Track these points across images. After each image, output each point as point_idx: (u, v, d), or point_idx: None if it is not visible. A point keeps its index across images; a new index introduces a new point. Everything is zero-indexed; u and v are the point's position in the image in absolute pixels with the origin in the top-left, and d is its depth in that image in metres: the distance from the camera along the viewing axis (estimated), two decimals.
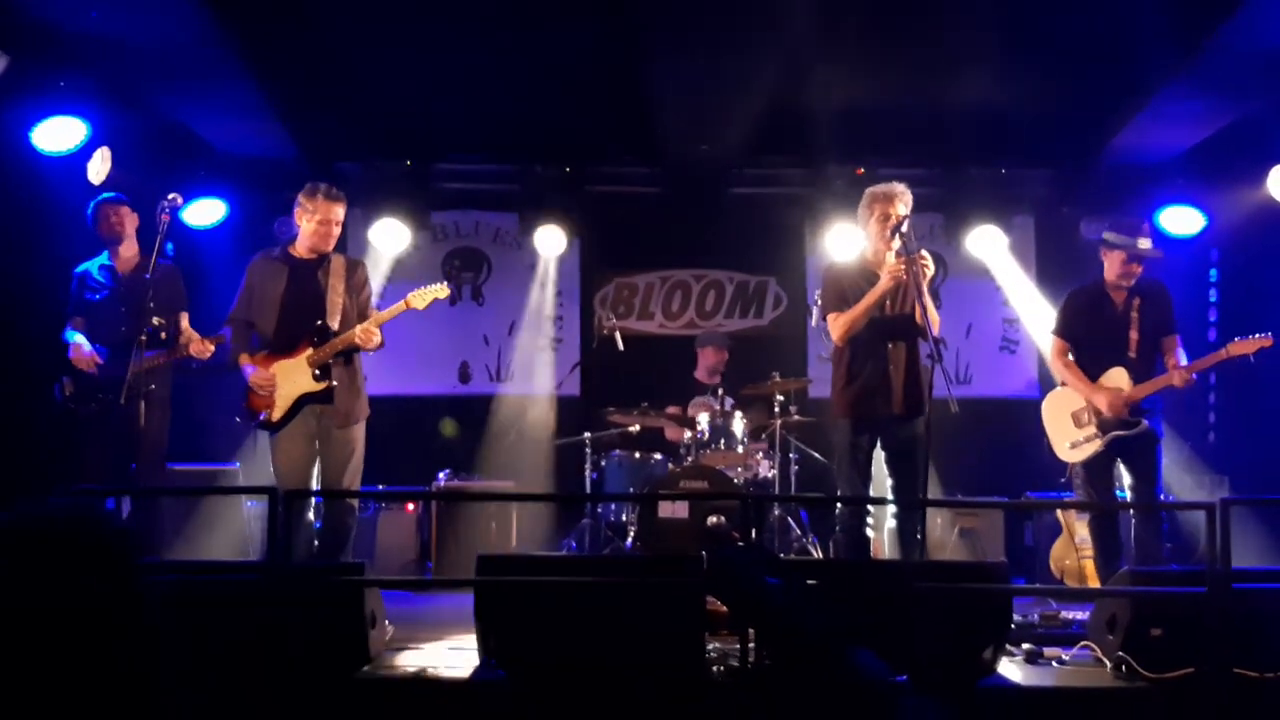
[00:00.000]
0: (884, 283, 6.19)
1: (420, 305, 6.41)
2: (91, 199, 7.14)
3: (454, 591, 7.08)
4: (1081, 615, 5.87)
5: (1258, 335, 6.32)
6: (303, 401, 6.23)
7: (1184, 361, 6.53)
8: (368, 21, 7.27)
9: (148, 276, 6.66)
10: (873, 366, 6.28)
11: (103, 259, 7.08)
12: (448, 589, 7.53)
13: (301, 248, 6.44)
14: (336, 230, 6.43)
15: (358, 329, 6.23)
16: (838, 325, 6.38)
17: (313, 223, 6.35)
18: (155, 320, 6.76)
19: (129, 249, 7.11)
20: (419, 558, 8.51)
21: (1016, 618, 5.31)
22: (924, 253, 6.12)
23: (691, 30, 7.14)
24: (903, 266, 6.10)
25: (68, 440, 6.88)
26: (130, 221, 7.09)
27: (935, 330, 5.97)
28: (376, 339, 6.27)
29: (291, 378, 6.24)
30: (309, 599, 4.72)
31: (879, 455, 6.39)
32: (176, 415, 7.15)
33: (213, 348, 6.84)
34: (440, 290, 6.46)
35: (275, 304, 6.32)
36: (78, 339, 6.87)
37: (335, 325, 6.28)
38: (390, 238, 9.41)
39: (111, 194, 7.15)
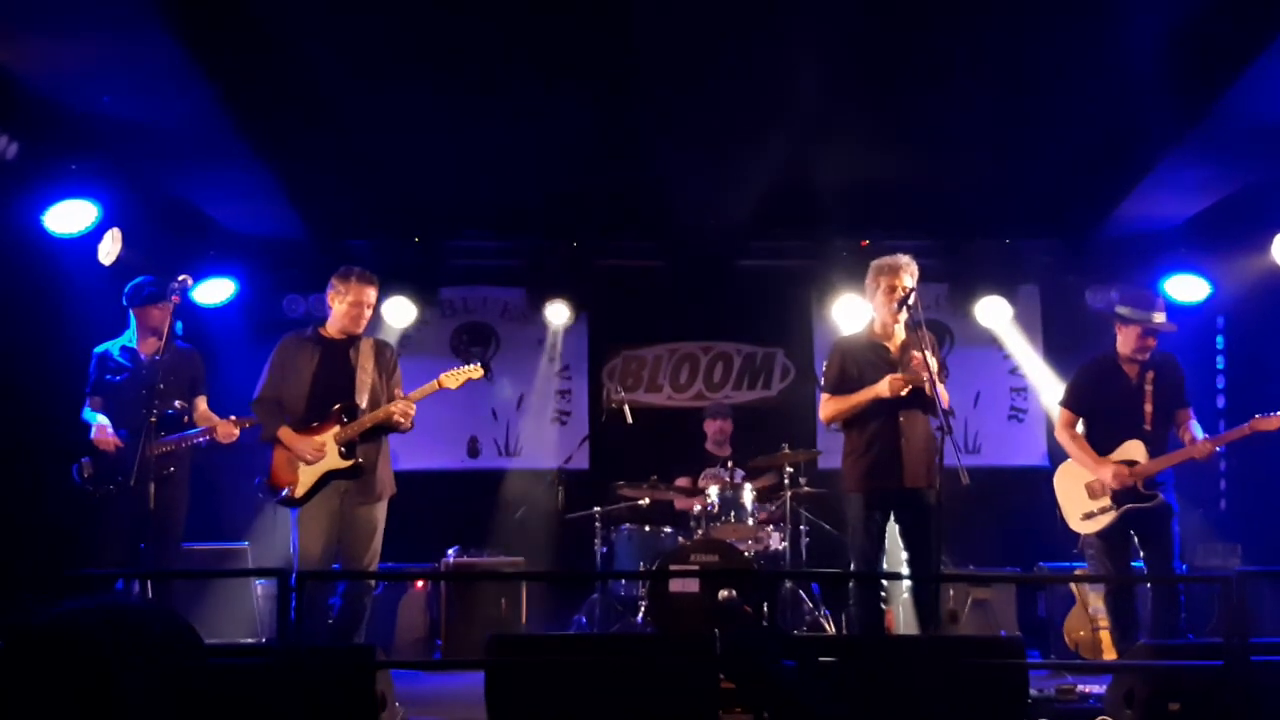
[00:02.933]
0: (880, 389, 6.23)
1: (453, 385, 6.50)
2: (123, 282, 7.10)
3: (464, 669, 7.05)
4: (1098, 689, 5.81)
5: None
6: (327, 478, 6.25)
7: (1199, 434, 6.51)
8: (376, 102, 7.37)
9: (158, 358, 6.70)
10: (884, 439, 6.29)
11: (125, 340, 7.04)
12: (458, 667, 7.49)
13: (333, 329, 6.51)
14: (368, 312, 6.51)
15: (397, 404, 6.28)
16: (826, 408, 6.50)
17: (344, 304, 6.43)
18: (177, 403, 6.80)
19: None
20: (428, 634, 8.46)
21: (1032, 692, 5.27)
22: (915, 353, 6.11)
23: (697, 107, 7.21)
24: (904, 384, 6.15)
25: (80, 522, 6.84)
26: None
27: (945, 404, 5.98)
28: (412, 415, 6.32)
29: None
30: (319, 682, 4.70)
31: (892, 526, 6.38)
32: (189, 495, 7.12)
33: (237, 432, 6.87)
34: (474, 371, 6.57)
35: (306, 383, 6.38)
36: (101, 419, 6.84)
37: (363, 404, 6.34)
38: (399, 313, 9.45)
39: (166, 293, 6.94)
